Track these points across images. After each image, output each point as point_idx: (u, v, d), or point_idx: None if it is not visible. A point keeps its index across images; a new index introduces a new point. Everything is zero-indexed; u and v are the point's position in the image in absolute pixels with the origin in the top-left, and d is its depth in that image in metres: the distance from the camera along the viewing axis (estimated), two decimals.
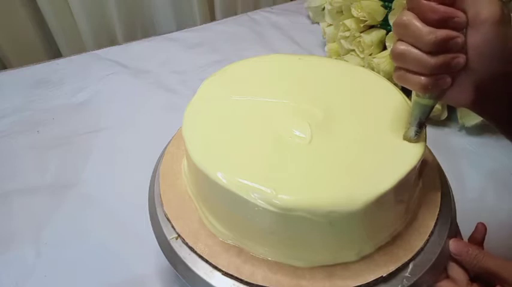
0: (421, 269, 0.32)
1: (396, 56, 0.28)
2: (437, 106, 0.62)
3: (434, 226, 0.34)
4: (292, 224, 0.29)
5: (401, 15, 0.27)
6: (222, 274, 0.32)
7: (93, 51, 0.87)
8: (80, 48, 0.92)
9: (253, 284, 0.31)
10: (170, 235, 0.35)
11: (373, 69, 0.66)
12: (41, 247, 0.49)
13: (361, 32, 0.70)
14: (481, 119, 0.57)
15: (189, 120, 0.36)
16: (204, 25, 1.00)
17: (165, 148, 0.43)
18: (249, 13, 1.03)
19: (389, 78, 0.35)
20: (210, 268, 0.32)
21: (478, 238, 0.37)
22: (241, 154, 0.32)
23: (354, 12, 0.68)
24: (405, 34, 0.27)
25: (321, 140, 0.33)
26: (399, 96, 0.37)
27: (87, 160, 0.61)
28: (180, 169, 0.40)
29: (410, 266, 0.32)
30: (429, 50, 0.26)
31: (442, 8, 0.25)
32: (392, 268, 0.31)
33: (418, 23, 0.26)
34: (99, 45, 0.91)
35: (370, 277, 0.31)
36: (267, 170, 0.30)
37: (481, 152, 0.62)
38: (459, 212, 0.37)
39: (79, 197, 0.55)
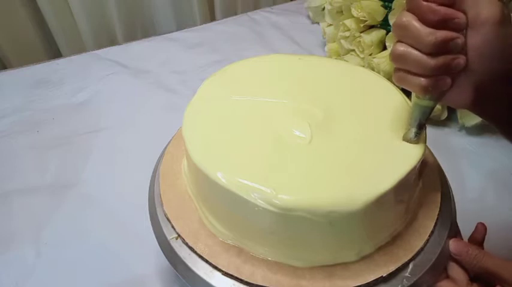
0: (421, 269, 0.32)
1: (396, 57, 0.28)
2: (438, 106, 0.62)
3: (434, 226, 0.34)
4: (292, 224, 0.29)
5: (400, 16, 0.27)
6: (222, 274, 0.32)
7: (93, 51, 0.87)
8: (80, 48, 0.92)
9: (253, 284, 0.31)
10: (170, 235, 0.35)
11: (373, 69, 0.66)
12: (41, 247, 0.49)
13: (361, 32, 0.70)
14: (481, 119, 0.57)
15: (189, 120, 0.36)
16: (204, 25, 1.00)
17: (165, 147, 0.43)
18: (249, 13, 1.03)
19: (389, 78, 0.35)
20: (210, 268, 0.32)
21: (478, 238, 0.37)
22: (241, 154, 0.32)
23: (354, 12, 0.68)
24: (405, 35, 0.27)
25: (321, 140, 0.33)
26: (399, 96, 0.37)
27: (87, 160, 0.61)
28: (180, 169, 0.40)
29: (410, 266, 0.32)
30: (429, 51, 0.26)
31: (442, 9, 0.25)
32: (392, 268, 0.31)
33: (417, 24, 0.26)
34: (99, 45, 0.91)
35: (370, 277, 0.31)
36: (267, 170, 0.31)
37: (481, 152, 0.62)
38: (459, 212, 0.37)
39: (79, 197, 0.55)
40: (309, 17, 0.99)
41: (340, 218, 0.29)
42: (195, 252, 0.33)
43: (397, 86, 0.38)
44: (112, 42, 0.95)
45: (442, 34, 0.25)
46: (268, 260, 0.32)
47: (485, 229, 0.37)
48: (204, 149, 0.33)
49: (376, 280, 0.31)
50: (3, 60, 0.90)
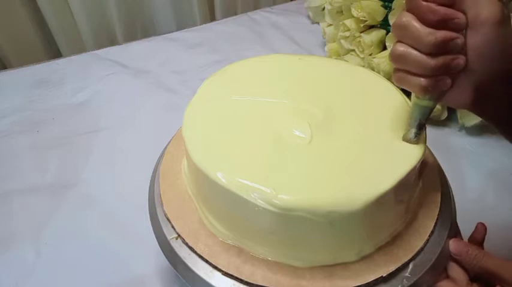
0: (421, 269, 0.32)
1: (395, 57, 0.28)
2: (438, 106, 0.62)
3: (434, 226, 0.34)
4: (292, 224, 0.29)
5: (400, 16, 0.27)
6: (222, 274, 0.32)
7: (93, 51, 0.87)
8: (80, 48, 0.92)
9: (253, 284, 0.31)
10: (170, 235, 0.35)
11: (373, 69, 0.66)
12: (41, 247, 0.49)
13: (361, 32, 0.70)
14: (481, 119, 0.57)
15: (189, 120, 0.36)
16: (204, 25, 1.00)
17: (165, 147, 0.43)
18: (249, 13, 1.03)
19: (389, 78, 0.35)
20: (210, 268, 0.32)
21: (478, 238, 0.37)
22: (241, 154, 0.32)
23: (354, 12, 0.68)
24: (404, 35, 0.27)
25: (321, 140, 0.33)
26: (399, 96, 0.37)
27: (87, 160, 0.61)
28: (180, 169, 0.40)
29: (410, 266, 0.32)
30: (429, 52, 0.26)
31: (441, 9, 0.25)
32: (392, 268, 0.31)
33: (417, 25, 0.26)
34: (99, 45, 0.91)
35: (370, 277, 0.31)
36: (267, 170, 0.31)
37: (481, 152, 0.62)
38: (459, 212, 0.37)
39: (79, 197, 0.55)
40: (309, 17, 0.99)
41: (340, 218, 0.29)
42: (195, 252, 0.33)
43: (397, 86, 0.38)
44: (112, 42, 0.95)
45: (442, 34, 0.25)
46: (268, 260, 0.32)
47: (485, 229, 0.37)
48: (204, 149, 0.33)
49: (376, 280, 0.31)
50: (3, 60, 0.90)
